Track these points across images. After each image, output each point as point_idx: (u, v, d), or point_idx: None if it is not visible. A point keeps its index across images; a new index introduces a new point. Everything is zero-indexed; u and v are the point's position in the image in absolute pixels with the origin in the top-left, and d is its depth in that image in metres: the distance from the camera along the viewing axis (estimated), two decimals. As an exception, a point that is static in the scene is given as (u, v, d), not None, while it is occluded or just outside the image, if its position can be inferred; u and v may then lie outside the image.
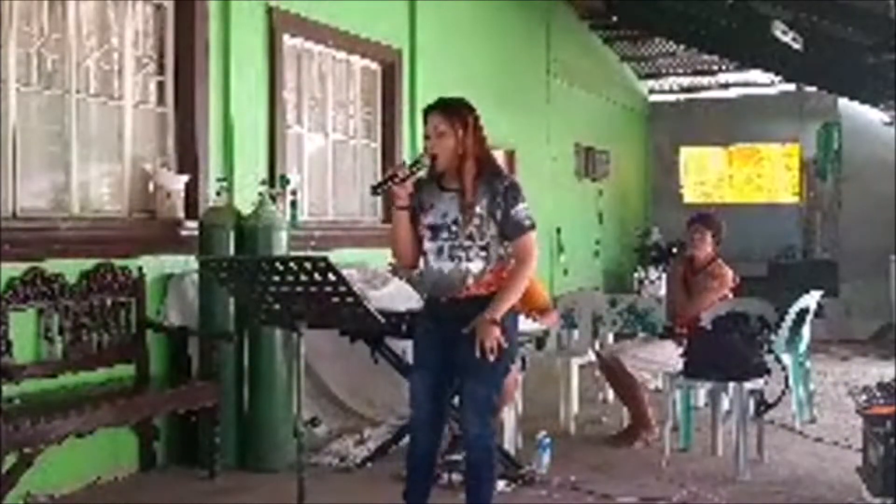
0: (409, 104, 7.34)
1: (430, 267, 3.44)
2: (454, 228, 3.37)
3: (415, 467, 3.56)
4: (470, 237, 3.35)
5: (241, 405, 4.92)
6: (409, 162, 3.58)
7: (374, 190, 3.42)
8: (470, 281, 3.36)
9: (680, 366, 5.05)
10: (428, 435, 3.53)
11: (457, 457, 4.42)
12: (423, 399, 3.49)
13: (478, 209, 3.35)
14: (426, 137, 3.44)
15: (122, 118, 5.07)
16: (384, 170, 6.89)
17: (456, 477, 4.38)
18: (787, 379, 5.51)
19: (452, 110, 3.43)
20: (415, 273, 3.71)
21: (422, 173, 3.44)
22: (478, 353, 3.27)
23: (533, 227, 3.42)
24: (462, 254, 3.36)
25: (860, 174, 11.00)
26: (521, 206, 3.39)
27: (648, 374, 5.42)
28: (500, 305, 3.33)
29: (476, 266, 3.36)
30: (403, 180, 3.35)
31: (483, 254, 3.37)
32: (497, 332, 3.29)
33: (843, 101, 11.21)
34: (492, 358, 3.28)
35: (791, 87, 12.56)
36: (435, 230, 3.40)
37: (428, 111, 3.47)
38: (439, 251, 3.40)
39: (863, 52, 8.44)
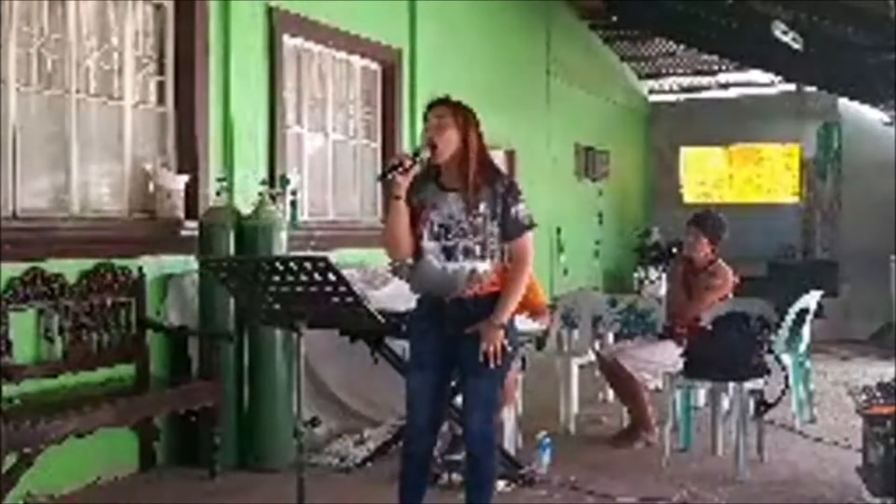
0: (409, 104, 7.34)
1: (432, 266, 3.40)
2: (460, 229, 3.37)
3: (412, 468, 3.54)
4: (475, 237, 3.36)
5: (241, 405, 4.92)
6: (410, 153, 3.57)
7: (382, 176, 3.39)
8: (476, 280, 3.36)
9: (680, 366, 5.06)
10: (427, 436, 3.51)
11: (457, 457, 4.43)
12: (425, 400, 3.46)
13: (481, 208, 3.36)
14: (426, 131, 3.44)
15: (122, 118, 5.07)
16: (384, 164, 6.87)
17: (456, 477, 4.39)
18: (787, 379, 5.51)
19: (456, 107, 3.46)
20: (405, 267, 3.64)
21: (417, 167, 3.41)
22: (481, 358, 3.30)
23: (532, 226, 3.46)
24: (469, 253, 3.36)
25: (860, 174, 10.99)
26: (521, 205, 3.42)
27: (648, 375, 5.43)
28: (505, 309, 3.37)
29: (483, 265, 3.37)
30: (407, 169, 3.34)
31: (488, 253, 3.38)
32: (501, 336, 3.33)
33: (843, 101, 11.20)
34: (494, 364, 3.31)
35: (791, 87, 12.56)
36: (440, 230, 3.39)
37: (431, 105, 3.49)
38: (444, 251, 3.38)
39: (863, 53, 8.44)
